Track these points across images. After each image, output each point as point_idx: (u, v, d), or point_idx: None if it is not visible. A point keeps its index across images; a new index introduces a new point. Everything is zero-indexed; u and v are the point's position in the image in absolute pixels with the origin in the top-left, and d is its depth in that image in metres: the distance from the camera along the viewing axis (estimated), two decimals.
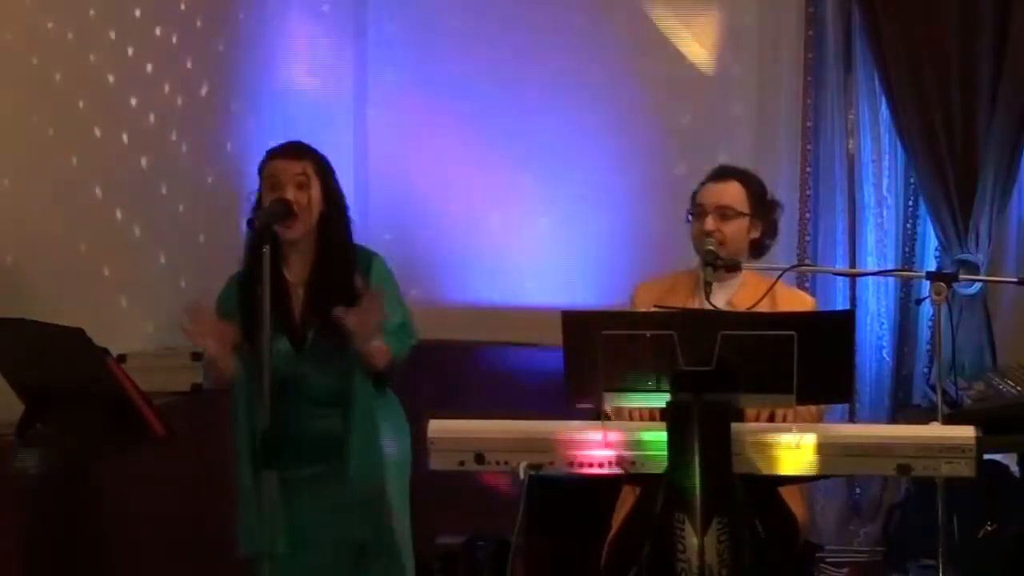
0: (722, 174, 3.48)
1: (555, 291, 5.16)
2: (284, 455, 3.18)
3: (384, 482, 3.38)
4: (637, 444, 2.74)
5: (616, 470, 2.74)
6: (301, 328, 3.33)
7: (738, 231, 3.39)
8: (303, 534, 3.27)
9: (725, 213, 3.38)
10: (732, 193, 3.41)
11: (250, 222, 3.20)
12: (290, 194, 3.30)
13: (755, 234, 3.45)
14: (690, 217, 3.46)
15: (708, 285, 3.31)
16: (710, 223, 3.37)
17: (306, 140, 3.46)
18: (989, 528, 4.02)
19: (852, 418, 4.86)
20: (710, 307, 3.23)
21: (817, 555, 4.64)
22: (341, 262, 3.37)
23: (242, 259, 3.37)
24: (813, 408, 3.17)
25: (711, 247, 3.33)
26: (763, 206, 3.46)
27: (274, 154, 3.38)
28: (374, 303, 3.21)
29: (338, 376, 3.34)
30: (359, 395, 3.34)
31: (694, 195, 3.48)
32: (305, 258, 3.39)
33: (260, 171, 3.38)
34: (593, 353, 2.63)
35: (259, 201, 3.36)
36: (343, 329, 3.22)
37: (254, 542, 3.23)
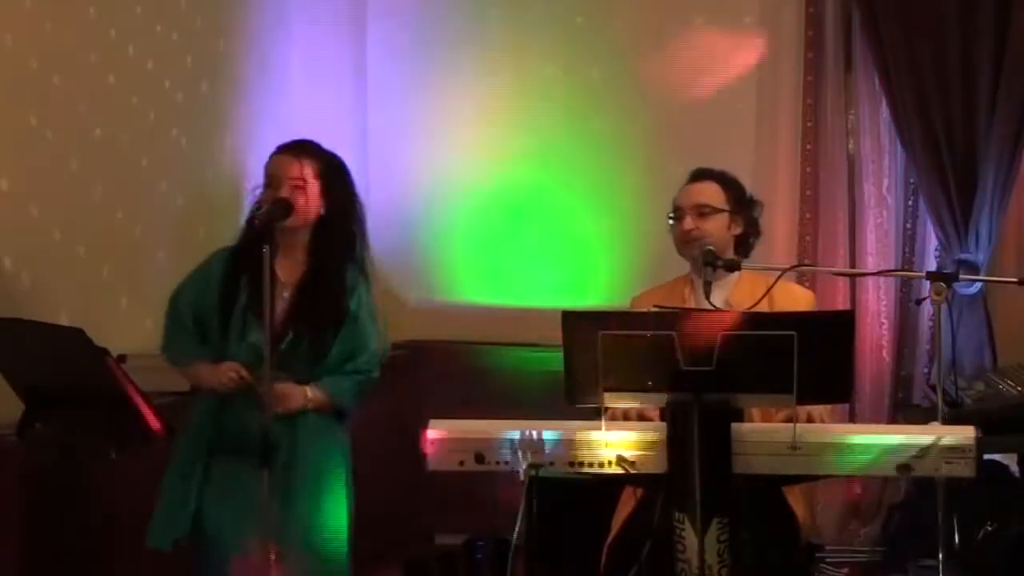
0: (698, 175, 3.51)
1: (555, 291, 5.16)
2: (226, 449, 3.21)
3: (319, 495, 3.35)
4: (637, 444, 2.74)
5: (616, 470, 2.74)
6: (280, 330, 3.30)
7: (717, 227, 3.41)
8: (227, 529, 3.27)
9: (702, 211, 3.40)
10: (708, 192, 3.44)
11: (250, 221, 3.20)
12: (285, 193, 3.29)
13: (736, 230, 3.46)
14: (671, 222, 3.49)
15: (708, 285, 3.32)
16: (688, 222, 3.39)
17: (306, 140, 3.45)
18: (989, 528, 4.02)
19: (852, 418, 4.86)
20: (710, 307, 3.23)
21: (817, 555, 4.64)
22: (336, 274, 3.35)
23: (236, 244, 3.36)
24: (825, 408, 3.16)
25: (711, 247, 3.34)
26: (742, 203, 3.49)
27: (277, 151, 3.38)
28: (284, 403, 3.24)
29: (300, 384, 3.31)
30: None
31: (675, 200, 3.51)
32: (298, 259, 3.37)
33: (265, 166, 3.38)
34: (593, 353, 2.63)
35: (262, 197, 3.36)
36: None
37: (162, 536, 3.28)
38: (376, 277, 3.50)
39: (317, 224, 3.35)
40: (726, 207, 3.43)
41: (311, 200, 3.32)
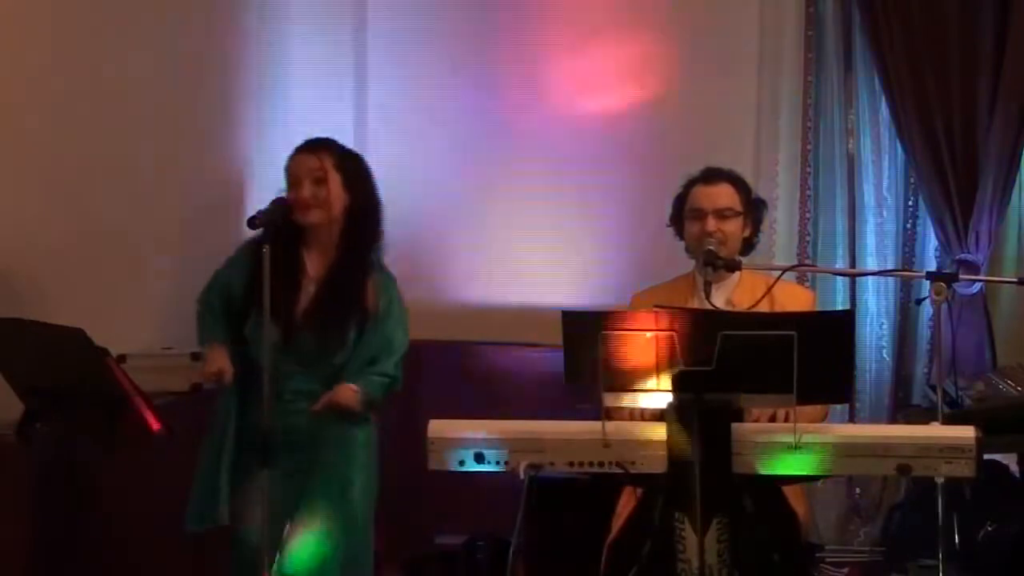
0: (712, 176, 3.51)
1: (555, 291, 5.16)
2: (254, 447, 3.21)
3: (349, 490, 3.37)
4: (637, 444, 2.74)
5: (616, 470, 2.74)
6: (303, 323, 3.32)
7: (736, 230, 3.45)
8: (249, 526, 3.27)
9: (724, 214, 3.42)
10: (727, 194, 3.46)
11: (250, 221, 3.21)
12: (307, 189, 3.32)
13: (746, 232, 3.50)
14: (674, 221, 3.49)
15: (708, 285, 3.33)
16: (711, 224, 3.40)
17: (323, 136, 3.46)
18: (989, 528, 4.02)
19: (852, 418, 4.86)
20: (710, 307, 3.23)
21: (817, 555, 4.64)
22: (358, 269, 3.36)
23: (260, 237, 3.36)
24: (813, 409, 3.17)
25: (711, 247, 3.34)
26: (751, 205, 3.51)
27: (295, 151, 3.40)
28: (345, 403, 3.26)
29: (319, 379, 3.32)
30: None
31: (682, 198, 3.51)
32: (326, 255, 3.38)
33: (285, 168, 3.40)
34: (593, 353, 2.63)
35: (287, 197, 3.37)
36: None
37: (201, 519, 3.31)
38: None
39: (345, 218, 3.36)
40: (742, 210, 3.45)
41: (333, 192, 3.34)
